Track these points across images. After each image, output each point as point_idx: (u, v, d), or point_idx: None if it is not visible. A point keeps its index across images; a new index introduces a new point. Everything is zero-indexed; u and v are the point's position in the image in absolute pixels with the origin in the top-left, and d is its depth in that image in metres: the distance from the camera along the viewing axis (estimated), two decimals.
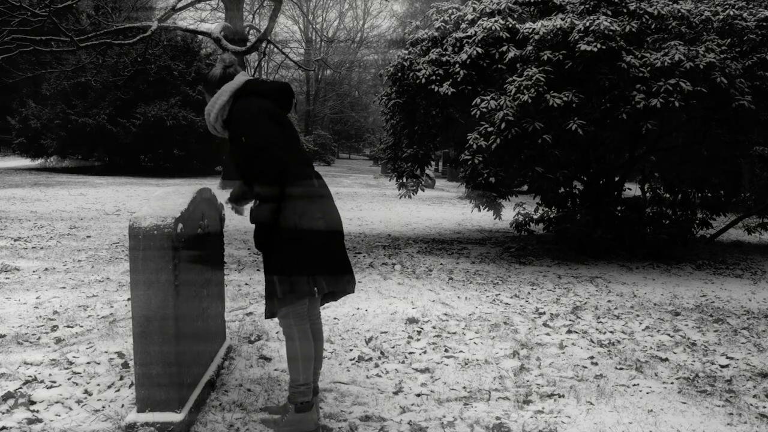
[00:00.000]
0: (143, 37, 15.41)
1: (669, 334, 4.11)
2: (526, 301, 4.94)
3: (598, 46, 5.65)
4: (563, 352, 3.68)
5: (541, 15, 6.71)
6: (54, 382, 3.01)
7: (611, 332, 4.14)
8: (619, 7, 6.15)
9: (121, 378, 3.07)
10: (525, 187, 7.79)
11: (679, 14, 6.09)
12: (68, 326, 3.90)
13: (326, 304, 4.61)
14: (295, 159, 2.57)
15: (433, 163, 8.73)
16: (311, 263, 2.49)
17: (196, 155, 21.15)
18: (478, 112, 6.09)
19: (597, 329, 4.20)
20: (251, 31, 19.98)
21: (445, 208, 12.95)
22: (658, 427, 2.70)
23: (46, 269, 5.55)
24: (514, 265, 6.51)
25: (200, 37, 20.33)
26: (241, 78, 2.67)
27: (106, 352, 3.44)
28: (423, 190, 7.97)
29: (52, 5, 12.60)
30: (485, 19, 6.47)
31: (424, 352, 3.62)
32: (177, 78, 20.18)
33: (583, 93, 5.83)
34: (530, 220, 7.38)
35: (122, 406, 2.75)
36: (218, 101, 2.63)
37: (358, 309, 4.52)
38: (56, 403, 2.77)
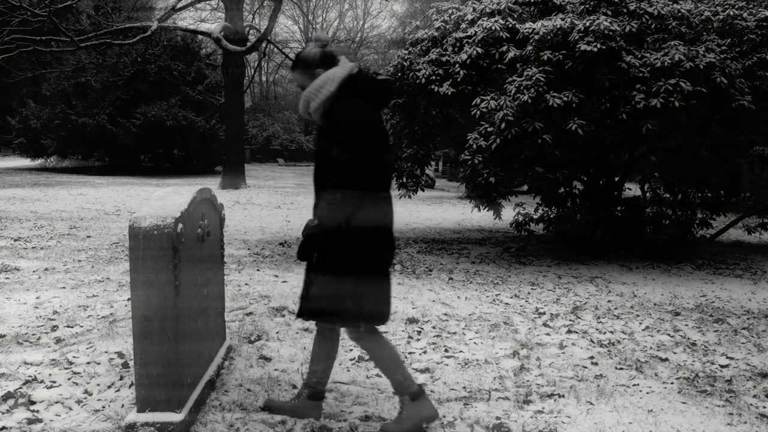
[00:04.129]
0: (143, 37, 15.43)
1: (669, 334, 4.11)
2: (526, 301, 4.94)
3: (598, 46, 5.65)
4: (563, 352, 3.68)
5: (541, 15, 6.71)
6: (54, 382, 3.00)
7: (611, 332, 4.14)
8: (619, 7, 6.15)
9: (121, 378, 3.07)
10: (525, 187, 7.78)
11: (679, 14, 6.09)
12: (68, 326, 3.90)
13: None
14: (376, 183, 2.43)
15: (433, 163, 8.72)
16: (358, 300, 2.43)
17: (196, 155, 21.17)
18: (478, 112, 6.09)
19: (597, 329, 4.20)
20: (251, 31, 19.99)
21: (445, 208, 12.95)
22: (658, 427, 2.70)
23: (46, 269, 5.55)
24: (514, 265, 6.51)
25: (200, 37, 20.35)
26: (346, 65, 2.49)
27: (106, 352, 3.43)
28: (423, 190, 7.97)
29: (52, 5, 12.60)
30: (485, 19, 6.47)
31: (424, 352, 3.62)
32: (177, 78, 20.20)
33: (583, 93, 5.83)
34: (530, 220, 7.38)
35: (122, 406, 2.75)
36: (323, 90, 2.43)
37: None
38: (56, 403, 2.77)
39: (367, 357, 3.49)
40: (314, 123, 2.55)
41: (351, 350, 3.62)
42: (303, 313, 2.54)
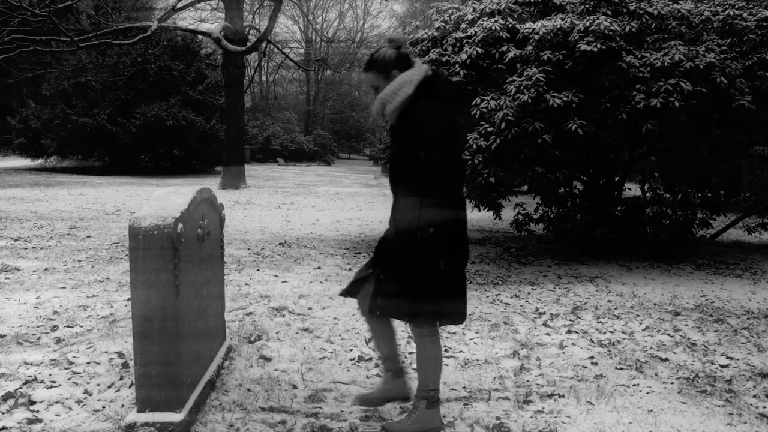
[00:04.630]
0: (143, 37, 15.43)
1: (669, 334, 4.11)
2: (526, 301, 4.94)
3: (598, 46, 5.65)
4: (563, 352, 3.68)
5: (541, 15, 6.70)
6: (54, 382, 3.01)
7: (611, 332, 4.14)
8: (619, 7, 6.14)
9: (121, 378, 3.07)
10: (525, 187, 7.77)
11: (679, 14, 6.09)
12: (68, 326, 3.90)
13: (329, 304, 4.62)
14: (455, 184, 2.47)
15: None
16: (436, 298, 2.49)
17: (196, 155, 21.17)
18: (478, 112, 6.09)
19: (597, 329, 4.20)
20: (251, 31, 19.98)
21: None
22: (658, 427, 2.70)
23: (46, 269, 5.55)
24: (514, 265, 6.51)
25: (200, 37, 20.35)
26: (421, 68, 2.51)
27: (106, 352, 3.44)
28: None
29: (52, 5, 12.60)
30: (485, 19, 6.47)
31: None
32: (177, 78, 20.19)
33: (583, 93, 5.83)
34: (530, 220, 7.37)
35: (122, 406, 2.75)
36: (400, 92, 2.45)
37: (358, 309, 4.52)
38: (56, 403, 2.77)
39: (367, 357, 3.49)
40: (386, 122, 2.59)
41: (351, 350, 3.62)
42: (379, 310, 2.56)
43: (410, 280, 2.44)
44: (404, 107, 2.47)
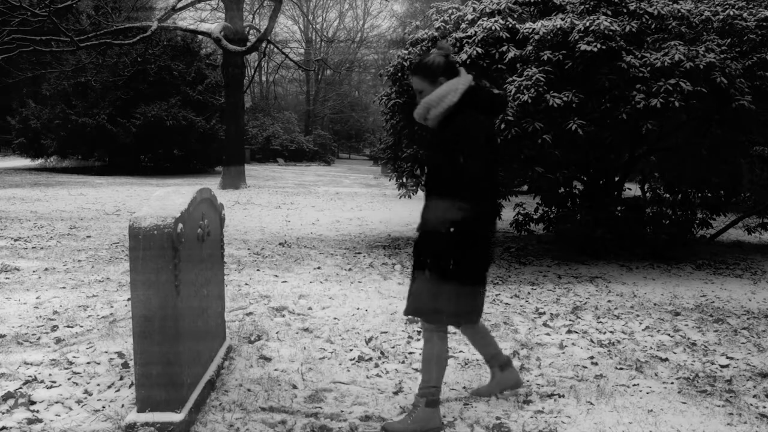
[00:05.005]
0: (143, 37, 15.43)
1: (669, 334, 4.11)
2: (526, 301, 4.94)
3: (598, 46, 5.65)
4: (563, 352, 3.68)
5: (541, 15, 6.70)
6: (54, 382, 3.01)
7: (611, 332, 4.14)
8: (619, 7, 6.14)
9: (121, 378, 3.07)
10: (525, 187, 7.78)
11: (679, 14, 6.09)
12: (68, 326, 3.90)
13: (329, 304, 4.62)
14: (490, 192, 2.60)
15: None
16: (464, 303, 2.63)
17: (196, 155, 21.18)
18: None
19: (597, 329, 4.20)
20: (251, 31, 19.99)
21: None
22: (658, 427, 2.70)
23: (46, 269, 5.55)
24: (514, 265, 6.51)
25: (200, 37, 20.35)
26: (467, 77, 2.61)
27: (106, 352, 3.44)
28: (423, 191, 7.96)
29: (52, 5, 12.60)
30: (485, 19, 6.47)
31: None
32: (177, 78, 20.20)
33: (583, 93, 5.83)
34: (530, 220, 7.37)
35: (122, 406, 2.75)
36: (446, 99, 2.55)
37: (358, 309, 4.52)
38: (56, 403, 2.77)
39: (367, 357, 3.49)
40: (427, 125, 2.67)
41: (351, 350, 3.62)
42: (414, 312, 2.67)
43: (432, 279, 2.54)
44: (447, 114, 2.57)
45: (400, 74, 7.00)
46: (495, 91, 2.79)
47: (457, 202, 2.46)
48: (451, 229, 2.48)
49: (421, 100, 2.64)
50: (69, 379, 3.05)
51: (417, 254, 2.64)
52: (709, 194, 7.36)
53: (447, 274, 2.52)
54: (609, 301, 5.01)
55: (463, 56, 6.32)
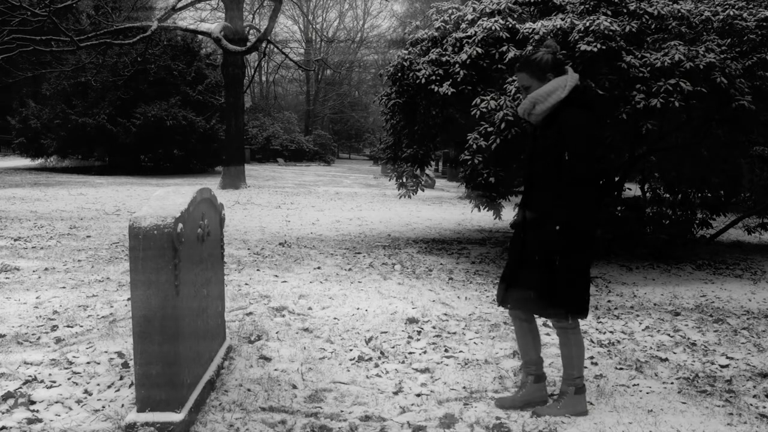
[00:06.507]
0: (143, 37, 15.43)
1: (669, 334, 4.11)
2: None
3: (598, 46, 5.65)
4: None
5: (541, 15, 6.70)
6: (54, 382, 3.01)
7: (611, 332, 4.14)
8: (619, 7, 6.14)
9: (121, 378, 3.07)
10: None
11: (679, 14, 6.09)
12: (68, 326, 3.90)
13: (329, 304, 4.62)
14: (597, 188, 2.69)
15: (433, 163, 8.71)
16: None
17: (196, 155, 21.16)
18: (478, 112, 6.09)
19: (597, 329, 4.20)
20: (251, 31, 19.98)
21: (445, 208, 12.95)
22: (658, 427, 2.70)
23: (46, 269, 5.55)
24: None
25: (200, 37, 20.36)
26: (573, 75, 2.64)
27: (106, 352, 3.44)
28: (423, 190, 7.96)
29: (52, 5, 12.60)
30: (485, 19, 6.46)
31: (424, 352, 3.62)
32: (177, 78, 20.19)
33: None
34: None
35: (122, 406, 2.75)
36: (553, 95, 2.58)
37: (358, 309, 4.52)
38: (56, 403, 2.77)
39: (367, 357, 3.49)
40: (530, 122, 2.71)
41: (351, 350, 3.62)
42: (510, 303, 2.77)
43: (544, 274, 2.59)
44: (552, 111, 2.60)
45: (400, 74, 7.00)
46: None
47: (562, 197, 2.52)
48: (558, 227, 2.54)
49: (526, 96, 2.66)
50: (69, 378, 3.05)
51: (520, 246, 2.70)
52: (709, 194, 7.35)
53: (560, 269, 2.58)
54: (609, 301, 5.01)
55: (463, 56, 6.32)
